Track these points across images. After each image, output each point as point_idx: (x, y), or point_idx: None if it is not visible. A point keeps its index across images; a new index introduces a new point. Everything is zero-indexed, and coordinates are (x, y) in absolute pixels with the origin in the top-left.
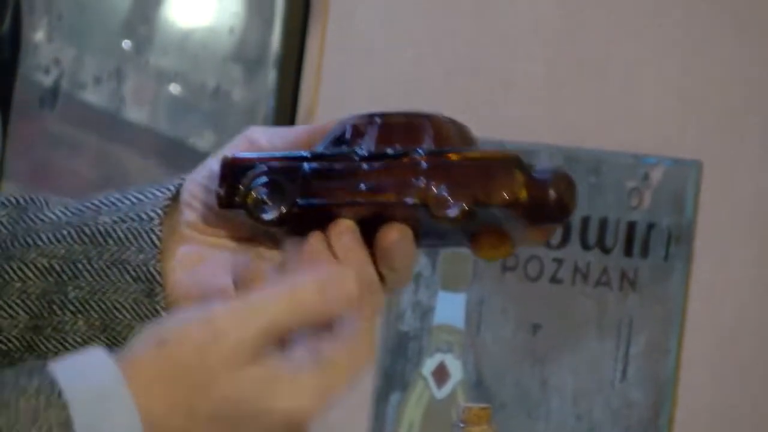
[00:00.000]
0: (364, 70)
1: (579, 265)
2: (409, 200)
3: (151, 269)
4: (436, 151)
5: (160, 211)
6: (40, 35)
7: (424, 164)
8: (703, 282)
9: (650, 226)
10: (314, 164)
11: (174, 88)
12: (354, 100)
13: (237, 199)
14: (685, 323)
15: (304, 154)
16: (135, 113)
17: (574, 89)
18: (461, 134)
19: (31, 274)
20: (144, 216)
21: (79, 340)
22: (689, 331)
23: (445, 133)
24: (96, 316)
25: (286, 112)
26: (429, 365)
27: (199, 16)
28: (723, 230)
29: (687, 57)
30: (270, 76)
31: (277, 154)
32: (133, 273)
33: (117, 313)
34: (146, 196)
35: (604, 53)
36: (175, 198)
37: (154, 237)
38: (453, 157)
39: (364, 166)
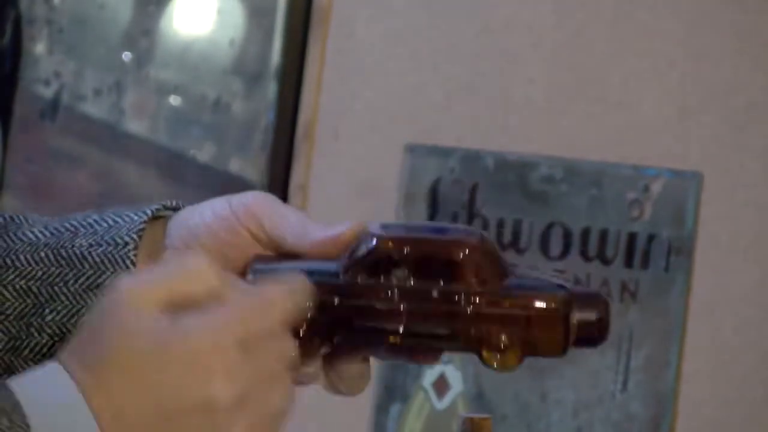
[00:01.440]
0: (364, 83)
1: (579, 277)
2: (460, 345)
3: None
4: (484, 293)
5: (135, 236)
6: (40, 48)
7: (471, 309)
8: (704, 294)
9: (651, 238)
10: (351, 300)
11: (174, 101)
12: (354, 113)
13: None
14: (685, 336)
15: (337, 281)
16: (135, 125)
17: (574, 101)
18: (495, 259)
19: (9, 296)
20: (119, 241)
21: None
22: (690, 344)
23: (485, 266)
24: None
25: (286, 124)
26: (429, 377)
27: (199, 28)
28: (723, 242)
29: (687, 69)
30: (270, 89)
31: (305, 267)
32: None
33: None
34: (123, 219)
35: (605, 65)
36: (158, 218)
37: (128, 262)
38: (504, 303)
39: (405, 305)
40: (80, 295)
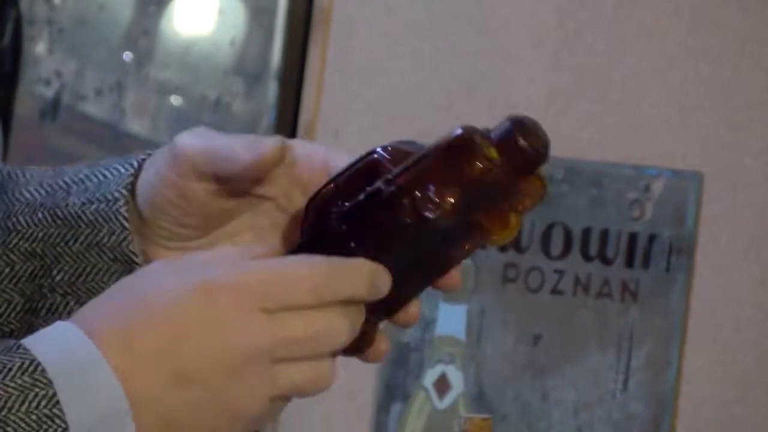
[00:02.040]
0: (364, 83)
1: (580, 277)
2: (404, 221)
3: (125, 250)
4: (400, 170)
5: (124, 191)
6: (41, 48)
7: (395, 187)
8: (705, 294)
9: (651, 238)
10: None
11: (175, 101)
12: (355, 113)
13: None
14: (686, 335)
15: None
16: (136, 125)
17: (574, 101)
18: (409, 147)
19: (16, 258)
20: (109, 197)
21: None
22: (690, 344)
23: (397, 155)
24: (85, 297)
25: (286, 124)
26: (430, 376)
27: (199, 28)
28: (724, 242)
29: (687, 69)
30: (271, 89)
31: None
32: (110, 254)
33: None
34: (111, 173)
35: (605, 65)
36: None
37: (121, 218)
38: (416, 164)
39: (344, 227)
40: (83, 254)
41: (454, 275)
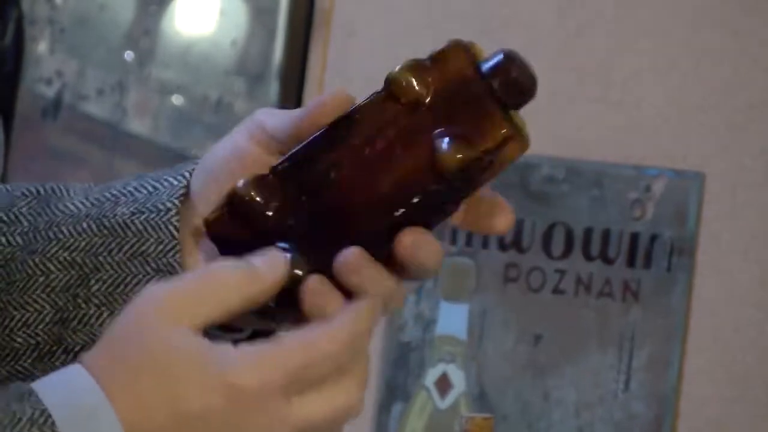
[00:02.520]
0: (365, 84)
1: (581, 277)
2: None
3: (171, 260)
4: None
5: (176, 201)
6: (42, 47)
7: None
8: (706, 293)
9: (653, 238)
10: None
11: (176, 100)
12: None
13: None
14: (687, 335)
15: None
16: (137, 125)
17: (575, 102)
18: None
19: (53, 268)
20: (161, 207)
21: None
22: (692, 344)
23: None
24: (121, 308)
25: None
26: (431, 376)
27: (201, 28)
28: (725, 242)
29: (688, 69)
30: (272, 89)
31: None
32: (153, 265)
33: None
34: (162, 185)
35: (606, 65)
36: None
37: (171, 228)
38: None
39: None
40: (125, 264)
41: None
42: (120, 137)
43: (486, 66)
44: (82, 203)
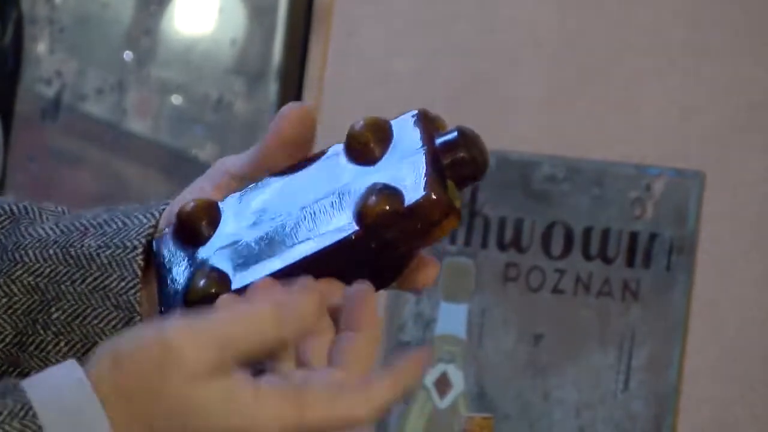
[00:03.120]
0: (365, 83)
1: (581, 276)
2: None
3: (131, 298)
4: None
5: (143, 240)
6: (42, 47)
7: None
8: (706, 293)
9: (652, 237)
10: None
11: (176, 100)
12: (355, 112)
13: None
14: (687, 335)
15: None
16: (137, 125)
17: (576, 101)
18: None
19: (17, 290)
20: (128, 244)
21: (60, 359)
22: (691, 343)
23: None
24: (77, 339)
25: None
26: (431, 376)
27: (200, 27)
28: (725, 241)
29: (689, 68)
30: (272, 88)
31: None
32: (114, 300)
33: (98, 338)
34: (132, 221)
35: (607, 64)
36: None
37: (135, 266)
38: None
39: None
40: (86, 296)
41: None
42: (120, 137)
43: (440, 139)
44: (51, 229)
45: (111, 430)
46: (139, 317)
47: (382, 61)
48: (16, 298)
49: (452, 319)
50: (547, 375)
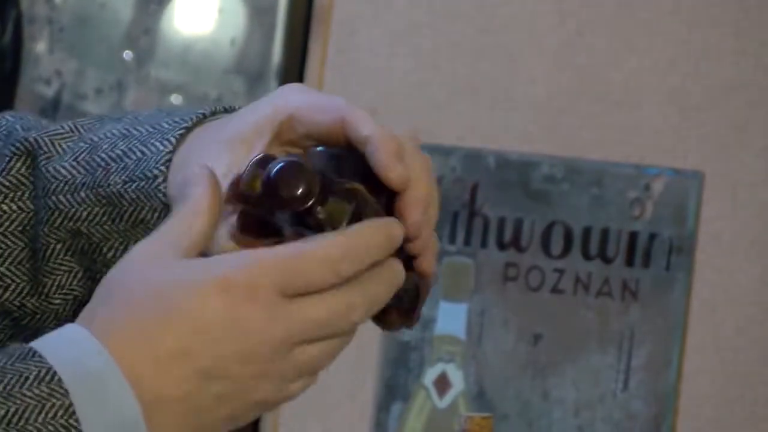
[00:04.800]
0: (365, 82)
1: (580, 276)
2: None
3: None
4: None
5: (163, 168)
6: (41, 47)
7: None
8: (705, 293)
9: (652, 237)
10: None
11: (175, 100)
12: None
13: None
14: (686, 335)
15: None
16: None
17: (575, 100)
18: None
19: (65, 236)
20: (149, 174)
21: None
22: (691, 343)
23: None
24: None
25: None
26: (430, 375)
27: (200, 27)
28: (725, 241)
29: (689, 68)
30: (271, 88)
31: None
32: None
33: None
34: (149, 150)
35: (606, 64)
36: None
37: (160, 195)
38: None
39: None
40: (129, 232)
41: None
42: None
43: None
44: (73, 167)
45: (126, 383)
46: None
47: (382, 61)
48: (69, 242)
49: (451, 318)
50: (547, 374)
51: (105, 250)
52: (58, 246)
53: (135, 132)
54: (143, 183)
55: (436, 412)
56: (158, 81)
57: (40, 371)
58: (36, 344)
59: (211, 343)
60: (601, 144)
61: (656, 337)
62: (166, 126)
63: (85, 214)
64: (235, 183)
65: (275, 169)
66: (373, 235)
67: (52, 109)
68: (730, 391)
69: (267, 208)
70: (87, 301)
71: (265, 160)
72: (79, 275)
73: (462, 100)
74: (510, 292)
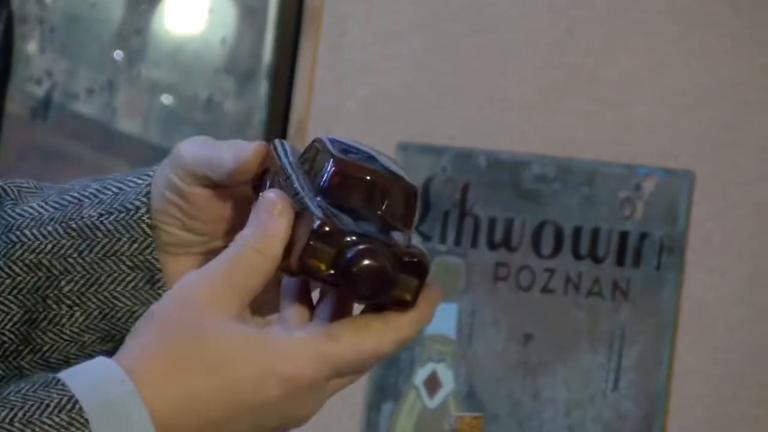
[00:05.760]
0: (356, 82)
1: (571, 276)
2: None
3: (148, 257)
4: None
5: (144, 199)
6: (32, 47)
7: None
8: (696, 293)
9: (642, 237)
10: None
11: (166, 100)
12: (346, 111)
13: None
14: (677, 335)
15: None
16: (127, 125)
17: (567, 100)
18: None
19: (19, 270)
20: (130, 206)
21: (76, 330)
22: (681, 343)
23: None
24: (94, 306)
25: (277, 123)
26: (421, 375)
27: (190, 27)
28: (715, 241)
29: (680, 68)
30: (262, 88)
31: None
32: (129, 263)
33: (117, 302)
34: (127, 185)
35: (597, 64)
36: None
37: (144, 226)
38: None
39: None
40: (97, 264)
41: None
42: (110, 137)
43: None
44: (41, 207)
45: (151, 425)
46: (160, 274)
47: (372, 61)
48: (20, 278)
49: (442, 318)
50: (537, 374)
51: (63, 283)
52: (7, 281)
53: (108, 177)
54: (123, 214)
55: (426, 412)
56: (149, 81)
57: (61, 399)
58: (63, 374)
59: (256, 419)
60: (592, 144)
61: (647, 336)
62: (142, 171)
63: (50, 246)
64: (288, 250)
65: (353, 262)
66: (417, 328)
67: (43, 108)
68: (720, 391)
69: (340, 289)
70: (13, 352)
71: (329, 234)
72: (15, 319)
73: (453, 99)
74: (500, 291)
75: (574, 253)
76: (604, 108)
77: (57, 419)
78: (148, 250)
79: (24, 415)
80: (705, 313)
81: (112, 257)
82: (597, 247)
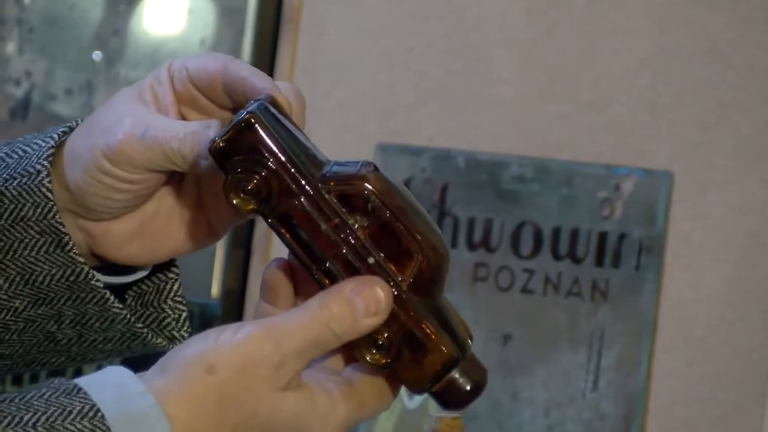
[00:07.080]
0: (335, 82)
1: (550, 276)
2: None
3: (51, 222)
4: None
5: (45, 163)
6: (11, 47)
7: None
8: (675, 293)
9: (621, 237)
10: (309, 206)
11: None
12: (326, 112)
13: (227, 164)
14: (656, 335)
15: (307, 184)
16: None
17: (545, 101)
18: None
19: None
20: (32, 170)
21: (4, 297)
22: (660, 343)
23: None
24: (15, 272)
25: None
26: None
27: (169, 28)
28: (694, 241)
29: (658, 68)
30: None
31: (286, 156)
32: (36, 228)
33: (34, 267)
34: (31, 148)
35: (576, 64)
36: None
37: (44, 189)
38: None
39: (358, 247)
40: (8, 230)
41: None
42: None
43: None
44: None
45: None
46: (67, 237)
47: (351, 61)
48: None
49: None
50: (517, 375)
51: None
52: None
53: (19, 139)
54: (25, 179)
55: (406, 413)
56: (128, 81)
57: (83, 407)
58: (80, 381)
59: None
60: (570, 144)
61: (626, 337)
62: (50, 132)
63: None
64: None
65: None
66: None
67: (22, 109)
68: (699, 391)
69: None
70: None
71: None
72: None
73: (431, 100)
74: (480, 292)
75: (553, 254)
76: (582, 108)
77: (80, 426)
78: (50, 215)
79: (47, 420)
80: (684, 313)
81: (20, 223)
82: (576, 247)
